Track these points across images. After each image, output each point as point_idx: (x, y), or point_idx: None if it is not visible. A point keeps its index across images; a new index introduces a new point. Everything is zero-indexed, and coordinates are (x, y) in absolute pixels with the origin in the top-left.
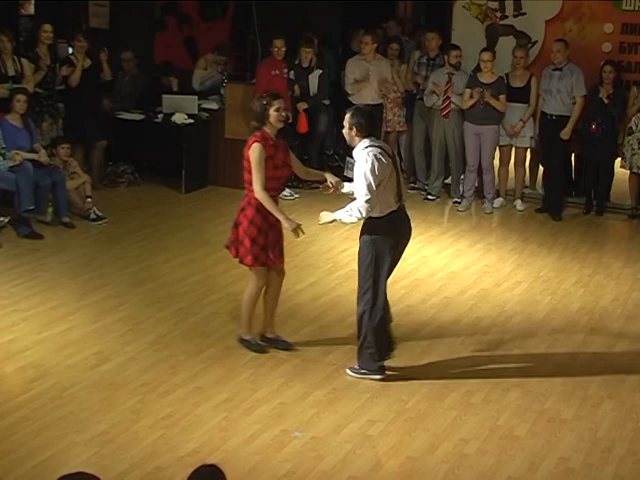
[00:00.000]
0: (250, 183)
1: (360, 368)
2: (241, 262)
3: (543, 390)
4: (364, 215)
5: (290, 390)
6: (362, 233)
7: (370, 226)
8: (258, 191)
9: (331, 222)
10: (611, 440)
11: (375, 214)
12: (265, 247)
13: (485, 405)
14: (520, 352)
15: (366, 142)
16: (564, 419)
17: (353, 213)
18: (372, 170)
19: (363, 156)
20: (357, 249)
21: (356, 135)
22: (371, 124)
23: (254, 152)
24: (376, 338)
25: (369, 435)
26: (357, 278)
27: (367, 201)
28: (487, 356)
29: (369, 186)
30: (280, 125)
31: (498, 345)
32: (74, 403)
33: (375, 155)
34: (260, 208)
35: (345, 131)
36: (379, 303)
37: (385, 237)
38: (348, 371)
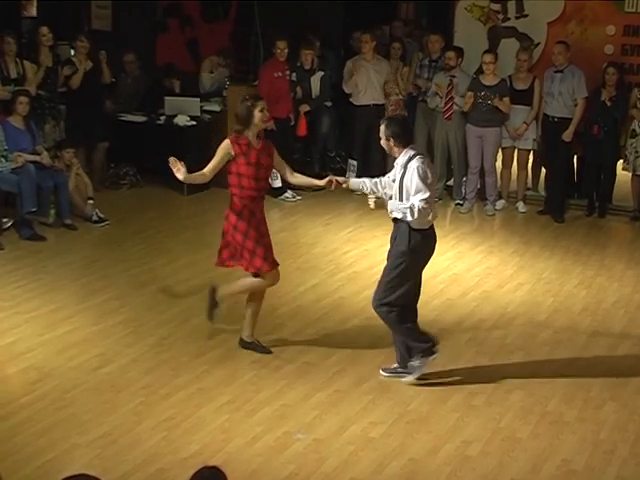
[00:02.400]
0: (232, 185)
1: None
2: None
3: (545, 392)
4: (416, 216)
5: (292, 392)
6: (399, 242)
7: (411, 238)
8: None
9: (374, 201)
10: (613, 442)
11: (421, 225)
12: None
13: (487, 407)
14: (522, 354)
15: (409, 152)
16: (566, 421)
17: (413, 210)
18: (426, 177)
19: (414, 165)
20: (387, 253)
21: (395, 146)
22: (407, 132)
23: (221, 144)
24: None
25: (371, 437)
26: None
27: (426, 201)
28: (489, 358)
29: (425, 190)
30: (264, 125)
31: (500, 347)
32: (76, 405)
33: (424, 162)
34: (242, 211)
35: (383, 142)
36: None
37: (421, 254)
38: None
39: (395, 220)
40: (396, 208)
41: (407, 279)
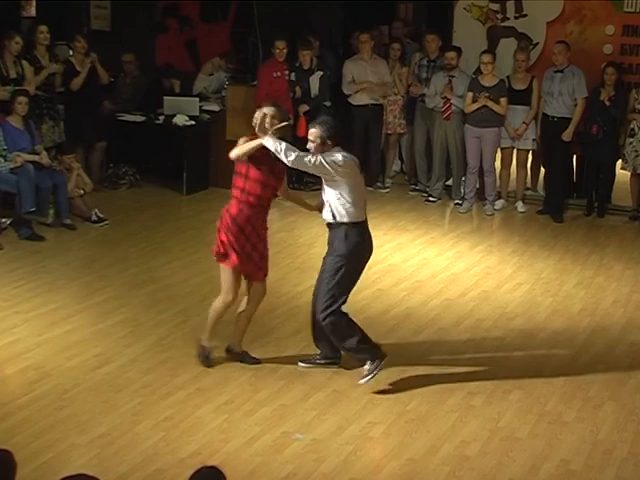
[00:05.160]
0: (235, 187)
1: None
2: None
3: (544, 392)
4: (291, 159)
5: (291, 392)
6: (337, 247)
7: (348, 238)
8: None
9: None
10: (612, 442)
11: (352, 218)
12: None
13: (486, 407)
14: (521, 354)
15: (339, 149)
16: (565, 421)
17: (288, 153)
18: (337, 158)
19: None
20: (340, 255)
21: (329, 148)
22: (341, 134)
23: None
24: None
25: (370, 437)
26: (319, 283)
27: (297, 157)
28: (488, 358)
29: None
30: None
31: (499, 347)
32: (75, 405)
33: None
34: (237, 216)
35: (315, 146)
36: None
37: (359, 254)
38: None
39: (330, 225)
40: (272, 145)
41: (347, 284)
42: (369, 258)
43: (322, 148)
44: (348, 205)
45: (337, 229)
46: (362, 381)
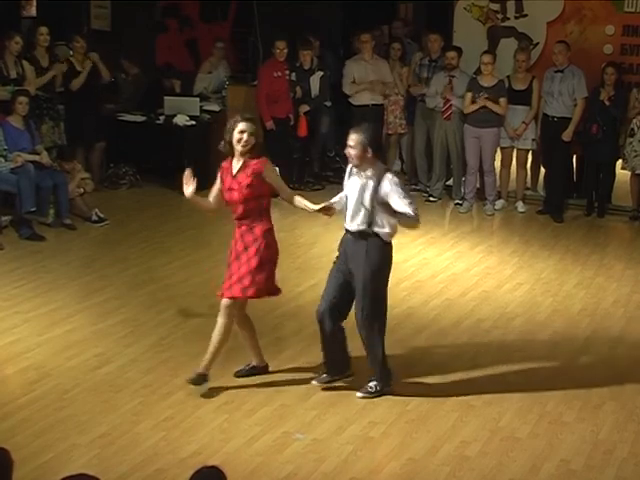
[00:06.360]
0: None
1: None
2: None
3: (544, 392)
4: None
5: (291, 392)
6: (372, 257)
7: (383, 252)
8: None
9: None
10: (613, 442)
11: (390, 237)
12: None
13: (486, 407)
14: (521, 354)
15: (380, 165)
16: (565, 421)
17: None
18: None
19: (389, 176)
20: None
21: (372, 156)
22: (381, 144)
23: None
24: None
25: (370, 437)
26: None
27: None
28: (488, 358)
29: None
30: (240, 149)
31: (499, 347)
32: (75, 405)
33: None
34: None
35: (356, 153)
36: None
37: (388, 267)
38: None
39: (360, 234)
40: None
41: (385, 292)
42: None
43: (363, 155)
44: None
45: (372, 239)
46: (360, 395)
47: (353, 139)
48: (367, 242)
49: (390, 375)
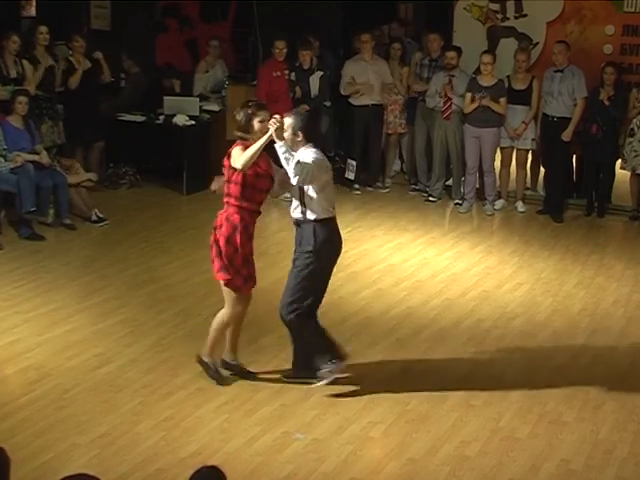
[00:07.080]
0: (229, 195)
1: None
2: (227, 285)
3: (544, 392)
4: (298, 174)
5: (291, 392)
6: (304, 243)
7: (317, 236)
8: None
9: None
10: (612, 442)
11: (323, 214)
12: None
13: (486, 407)
14: (521, 354)
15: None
16: (565, 421)
17: (295, 166)
18: (317, 159)
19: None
20: (310, 250)
21: (301, 140)
22: (312, 131)
23: (236, 151)
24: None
25: (370, 437)
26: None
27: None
28: (488, 358)
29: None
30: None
31: (499, 347)
32: (75, 405)
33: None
34: (237, 226)
35: (288, 135)
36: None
37: (328, 252)
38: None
39: (297, 222)
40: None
41: (317, 281)
42: (338, 256)
43: (293, 139)
44: (319, 202)
45: (306, 226)
46: (318, 384)
47: (284, 122)
48: (300, 231)
49: (335, 348)
